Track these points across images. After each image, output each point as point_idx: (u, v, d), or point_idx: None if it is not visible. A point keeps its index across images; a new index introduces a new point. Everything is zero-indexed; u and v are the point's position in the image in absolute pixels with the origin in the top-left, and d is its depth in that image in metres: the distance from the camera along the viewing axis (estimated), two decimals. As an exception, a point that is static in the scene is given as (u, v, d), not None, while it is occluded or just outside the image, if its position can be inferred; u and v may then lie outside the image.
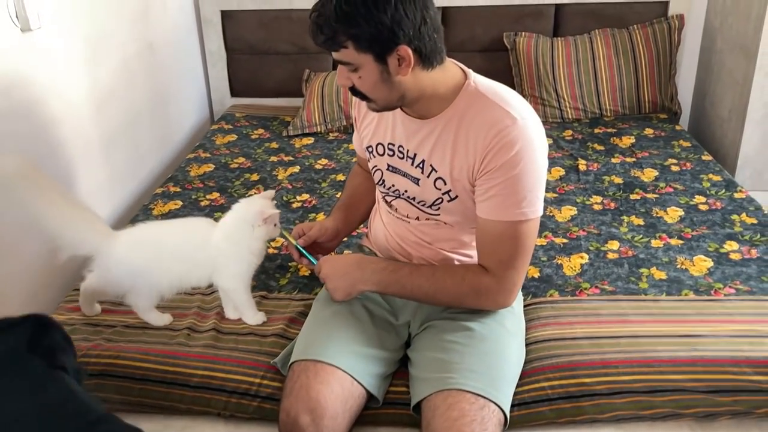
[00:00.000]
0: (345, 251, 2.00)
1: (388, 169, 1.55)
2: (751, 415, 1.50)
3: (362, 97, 1.41)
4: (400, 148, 1.50)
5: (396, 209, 1.59)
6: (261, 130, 3.05)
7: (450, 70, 1.41)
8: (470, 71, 1.44)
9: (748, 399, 1.49)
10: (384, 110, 1.45)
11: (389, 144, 1.53)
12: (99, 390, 1.55)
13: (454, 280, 1.47)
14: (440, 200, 1.49)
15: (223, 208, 2.33)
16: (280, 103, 3.34)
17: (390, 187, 1.57)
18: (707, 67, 3.10)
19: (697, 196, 2.29)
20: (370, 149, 1.58)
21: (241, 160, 2.75)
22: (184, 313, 1.75)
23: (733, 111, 2.81)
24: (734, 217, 2.15)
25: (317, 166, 2.66)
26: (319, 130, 2.97)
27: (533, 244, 1.45)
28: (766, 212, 2.16)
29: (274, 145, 2.89)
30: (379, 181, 1.59)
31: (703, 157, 2.59)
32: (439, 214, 1.52)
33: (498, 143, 1.35)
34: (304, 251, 1.63)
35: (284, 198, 2.39)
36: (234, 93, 3.39)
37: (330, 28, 1.29)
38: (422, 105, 1.42)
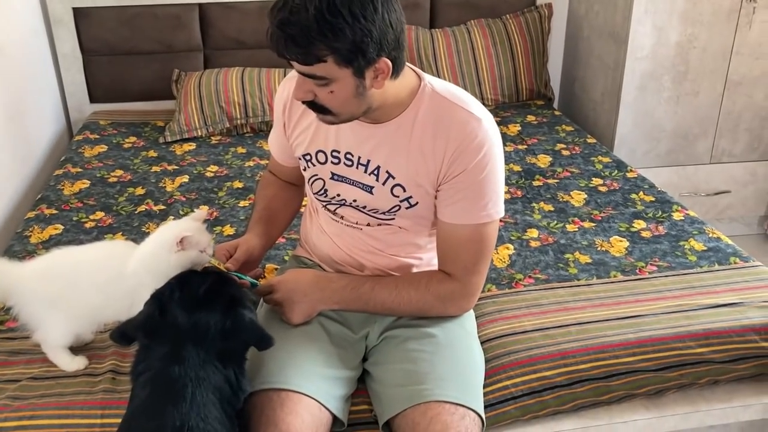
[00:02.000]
0: (267, 264, 1.86)
1: (332, 178, 1.44)
2: (694, 385, 1.57)
3: (322, 110, 1.27)
4: (348, 155, 1.39)
5: (342, 217, 1.48)
6: (133, 138, 2.78)
7: (406, 74, 1.32)
8: (422, 72, 1.36)
9: (693, 371, 1.56)
10: (344, 122, 1.32)
11: (333, 151, 1.41)
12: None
13: (418, 290, 1.41)
14: (397, 207, 1.40)
15: (113, 229, 2.11)
16: (148, 107, 3.06)
17: (334, 197, 1.46)
18: (574, 54, 3.25)
19: (594, 179, 2.38)
20: (308, 157, 1.46)
21: (119, 172, 2.48)
22: (101, 354, 1.53)
23: (606, 94, 2.96)
24: (633, 196, 2.25)
25: (208, 174, 2.47)
26: (200, 134, 2.76)
27: (494, 245, 1.42)
28: (659, 189, 2.29)
29: (152, 153, 2.65)
30: (320, 190, 1.47)
31: (588, 140, 2.70)
32: (394, 219, 1.43)
33: (467, 146, 1.29)
34: (240, 275, 1.47)
35: (180, 212, 2.19)
36: (93, 99, 3.06)
37: (307, 39, 1.13)
38: (379, 112, 1.32)
